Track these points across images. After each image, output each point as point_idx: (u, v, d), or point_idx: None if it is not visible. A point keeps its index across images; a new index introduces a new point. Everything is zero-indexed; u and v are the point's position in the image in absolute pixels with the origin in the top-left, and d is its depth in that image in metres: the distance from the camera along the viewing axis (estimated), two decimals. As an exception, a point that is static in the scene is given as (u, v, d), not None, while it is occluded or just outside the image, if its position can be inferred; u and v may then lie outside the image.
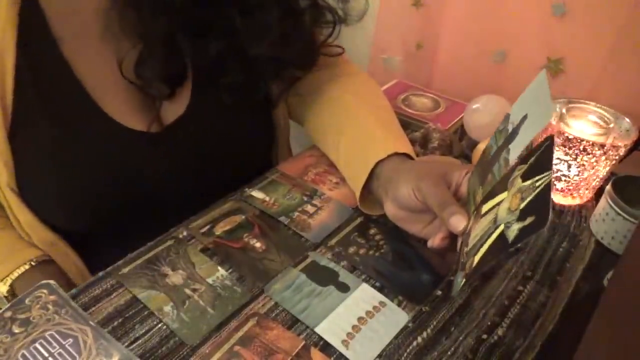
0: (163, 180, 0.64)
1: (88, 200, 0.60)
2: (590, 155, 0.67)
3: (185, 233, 0.62)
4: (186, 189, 0.65)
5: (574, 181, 0.70)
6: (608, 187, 0.64)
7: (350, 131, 0.66)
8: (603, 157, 0.67)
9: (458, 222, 0.47)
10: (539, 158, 0.42)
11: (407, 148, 0.62)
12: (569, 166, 0.69)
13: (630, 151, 0.70)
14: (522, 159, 0.45)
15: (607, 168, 0.69)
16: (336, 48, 0.72)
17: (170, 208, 0.63)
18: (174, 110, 0.63)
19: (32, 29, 0.55)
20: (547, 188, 0.38)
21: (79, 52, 0.57)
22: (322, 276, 0.57)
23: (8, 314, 0.48)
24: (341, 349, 0.49)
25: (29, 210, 0.61)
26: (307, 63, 0.69)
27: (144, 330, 0.50)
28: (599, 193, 0.70)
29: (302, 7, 0.65)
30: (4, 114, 0.54)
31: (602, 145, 0.66)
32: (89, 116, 0.58)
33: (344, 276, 0.57)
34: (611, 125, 0.68)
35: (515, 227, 0.39)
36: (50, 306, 0.49)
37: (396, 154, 0.60)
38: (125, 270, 0.56)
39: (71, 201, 0.60)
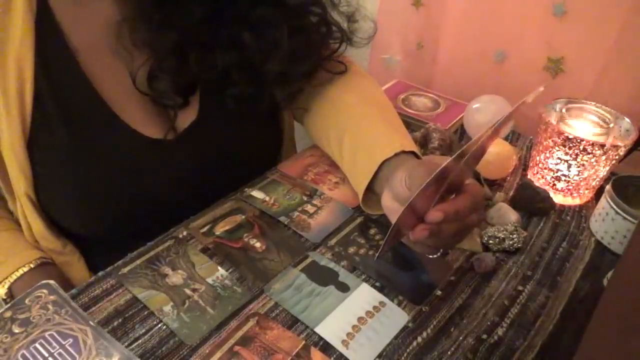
0: (176, 185, 0.65)
1: (104, 206, 0.61)
2: (590, 155, 0.67)
3: (185, 233, 0.62)
4: (197, 193, 0.66)
5: (574, 181, 0.70)
6: (608, 187, 0.64)
7: (354, 130, 0.66)
8: (603, 157, 0.67)
9: (435, 217, 0.46)
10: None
11: (412, 146, 0.62)
12: (569, 166, 0.69)
13: (630, 151, 0.70)
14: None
15: (607, 168, 0.69)
16: (339, 65, 0.73)
17: (178, 212, 0.63)
18: (183, 118, 0.64)
19: (49, 40, 0.55)
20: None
21: (95, 63, 0.58)
22: (322, 276, 0.57)
23: (8, 314, 0.48)
24: (341, 349, 0.49)
25: (42, 219, 0.62)
26: (311, 75, 0.70)
27: (144, 330, 0.50)
28: (599, 193, 0.70)
29: (312, 23, 0.66)
30: (22, 123, 0.55)
31: (602, 145, 0.66)
32: (107, 124, 0.59)
33: (344, 276, 0.57)
34: (611, 125, 0.68)
35: None
36: (50, 306, 0.49)
37: (402, 152, 0.60)
38: (125, 270, 0.56)
39: (88, 207, 0.61)
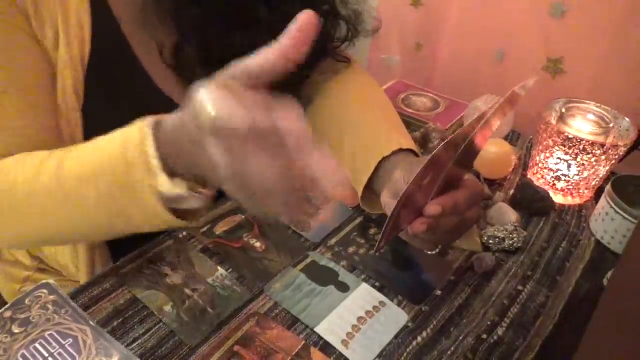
0: None
1: None
2: (590, 155, 0.67)
3: (185, 233, 0.61)
4: None
5: (573, 181, 0.70)
6: (608, 187, 0.64)
7: (354, 128, 0.66)
8: (603, 157, 0.67)
9: (433, 210, 0.46)
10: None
11: (411, 144, 0.62)
12: (569, 166, 0.69)
13: (630, 151, 0.70)
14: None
15: (607, 168, 0.69)
16: (343, 58, 0.73)
17: None
18: None
19: (99, 7, 0.57)
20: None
21: (134, 33, 0.60)
22: (322, 276, 0.57)
23: (8, 314, 0.48)
24: (341, 349, 0.49)
25: None
26: (316, 64, 0.70)
27: (143, 330, 0.50)
28: (599, 193, 0.70)
29: (322, 10, 0.67)
30: (78, 87, 0.56)
31: (602, 145, 0.66)
32: (149, 96, 0.61)
33: (344, 276, 0.57)
34: (611, 125, 0.68)
35: None
36: (50, 306, 0.49)
37: (400, 150, 0.60)
38: (125, 270, 0.56)
39: None
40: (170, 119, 0.43)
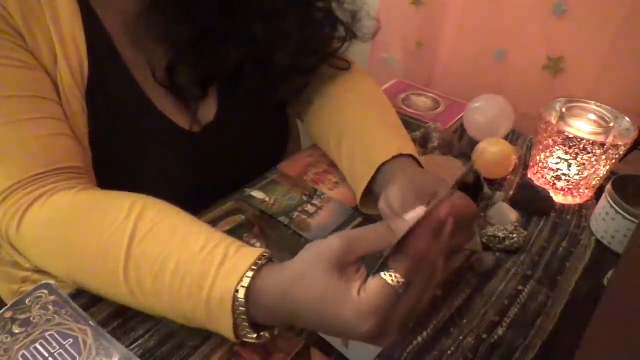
0: (197, 177, 0.66)
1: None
2: (591, 155, 0.67)
3: (185, 233, 0.61)
4: (210, 188, 0.66)
5: (574, 180, 0.70)
6: (608, 187, 0.64)
7: (353, 131, 0.66)
8: (603, 156, 0.67)
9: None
10: None
11: (411, 148, 0.62)
12: (569, 165, 0.69)
13: (630, 150, 0.70)
14: None
15: (608, 167, 0.69)
16: (343, 62, 0.73)
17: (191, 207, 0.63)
18: (205, 112, 0.66)
19: (91, 23, 0.57)
20: None
21: (128, 52, 0.60)
22: (322, 276, 0.56)
23: (8, 314, 0.48)
24: (341, 348, 0.49)
25: None
26: (316, 70, 0.71)
27: (144, 331, 0.50)
28: (599, 192, 0.70)
29: (319, 17, 0.67)
30: (82, 108, 0.56)
31: (602, 145, 0.66)
32: (144, 112, 0.61)
33: (344, 276, 0.57)
34: (611, 124, 0.68)
35: None
36: (50, 306, 0.49)
37: (400, 155, 0.60)
38: (126, 270, 0.56)
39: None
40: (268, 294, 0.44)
